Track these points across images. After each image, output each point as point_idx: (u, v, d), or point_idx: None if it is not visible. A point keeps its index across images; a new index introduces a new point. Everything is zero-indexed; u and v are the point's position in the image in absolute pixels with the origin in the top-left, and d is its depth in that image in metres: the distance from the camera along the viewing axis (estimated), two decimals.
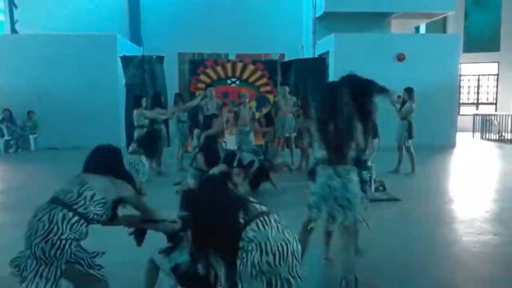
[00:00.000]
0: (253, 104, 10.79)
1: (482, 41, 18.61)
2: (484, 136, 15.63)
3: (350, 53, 12.60)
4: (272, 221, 2.58)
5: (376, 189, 6.98)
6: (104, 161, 2.88)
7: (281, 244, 2.50)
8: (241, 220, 2.55)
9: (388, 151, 8.53)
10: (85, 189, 2.65)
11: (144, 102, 8.84)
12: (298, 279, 2.56)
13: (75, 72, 12.74)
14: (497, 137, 15.16)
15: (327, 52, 13.50)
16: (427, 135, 10.78)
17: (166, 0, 16.85)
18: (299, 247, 2.62)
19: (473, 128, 16.22)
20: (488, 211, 6.22)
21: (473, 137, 15.87)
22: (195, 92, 11.17)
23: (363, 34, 13.52)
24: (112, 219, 2.85)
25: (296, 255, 2.55)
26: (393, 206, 6.50)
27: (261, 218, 2.56)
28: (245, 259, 2.48)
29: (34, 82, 12.73)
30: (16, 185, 8.05)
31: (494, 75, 18.54)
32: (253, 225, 2.53)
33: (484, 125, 15.77)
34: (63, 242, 2.49)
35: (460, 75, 15.51)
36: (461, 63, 14.33)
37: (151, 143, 7.21)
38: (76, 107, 12.66)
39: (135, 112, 8.67)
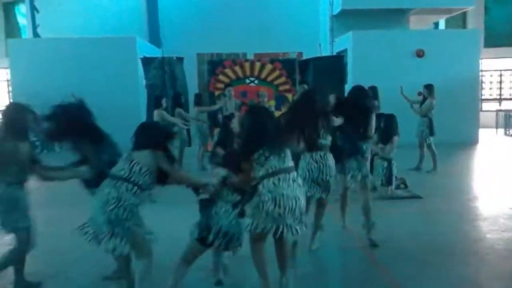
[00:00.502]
0: (272, 103, 10.80)
1: (503, 35, 18.26)
2: (507, 132, 15.33)
3: (368, 50, 12.53)
4: (291, 179, 3.19)
5: (398, 187, 6.97)
6: (143, 137, 3.41)
7: (292, 200, 3.12)
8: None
9: (409, 149, 8.46)
10: (133, 164, 3.26)
11: (164, 102, 8.95)
12: (301, 228, 3.23)
13: (96, 74, 12.92)
14: None
15: (345, 50, 13.42)
16: (449, 131, 10.65)
17: (184, 1, 17.01)
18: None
19: (496, 124, 15.95)
20: None
21: (496, 133, 15.59)
22: (214, 92, 11.25)
23: (381, 31, 13.34)
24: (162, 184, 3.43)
25: (302, 210, 3.21)
26: (415, 204, 6.48)
27: (283, 175, 3.17)
28: (260, 209, 3.10)
29: (56, 84, 12.88)
30: (45, 184, 8.18)
31: None
32: (275, 179, 3.15)
33: (508, 121, 15.47)
34: (131, 206, 3.20)
35: (482, 71, 15.23)
36: (482, 59, 14.08)
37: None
38: (97, 108, 12.57)
39: (155, 112, 8.79)
